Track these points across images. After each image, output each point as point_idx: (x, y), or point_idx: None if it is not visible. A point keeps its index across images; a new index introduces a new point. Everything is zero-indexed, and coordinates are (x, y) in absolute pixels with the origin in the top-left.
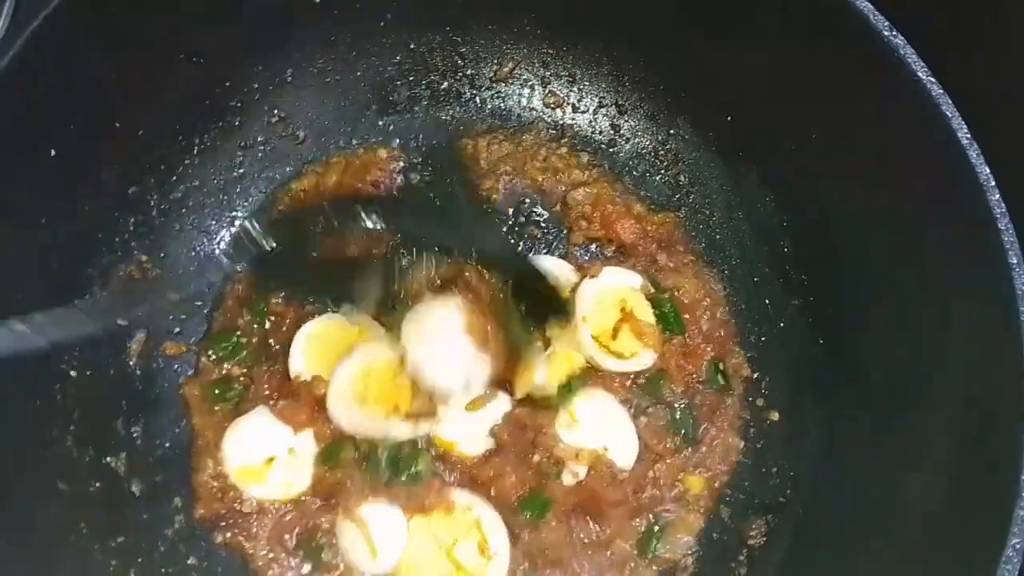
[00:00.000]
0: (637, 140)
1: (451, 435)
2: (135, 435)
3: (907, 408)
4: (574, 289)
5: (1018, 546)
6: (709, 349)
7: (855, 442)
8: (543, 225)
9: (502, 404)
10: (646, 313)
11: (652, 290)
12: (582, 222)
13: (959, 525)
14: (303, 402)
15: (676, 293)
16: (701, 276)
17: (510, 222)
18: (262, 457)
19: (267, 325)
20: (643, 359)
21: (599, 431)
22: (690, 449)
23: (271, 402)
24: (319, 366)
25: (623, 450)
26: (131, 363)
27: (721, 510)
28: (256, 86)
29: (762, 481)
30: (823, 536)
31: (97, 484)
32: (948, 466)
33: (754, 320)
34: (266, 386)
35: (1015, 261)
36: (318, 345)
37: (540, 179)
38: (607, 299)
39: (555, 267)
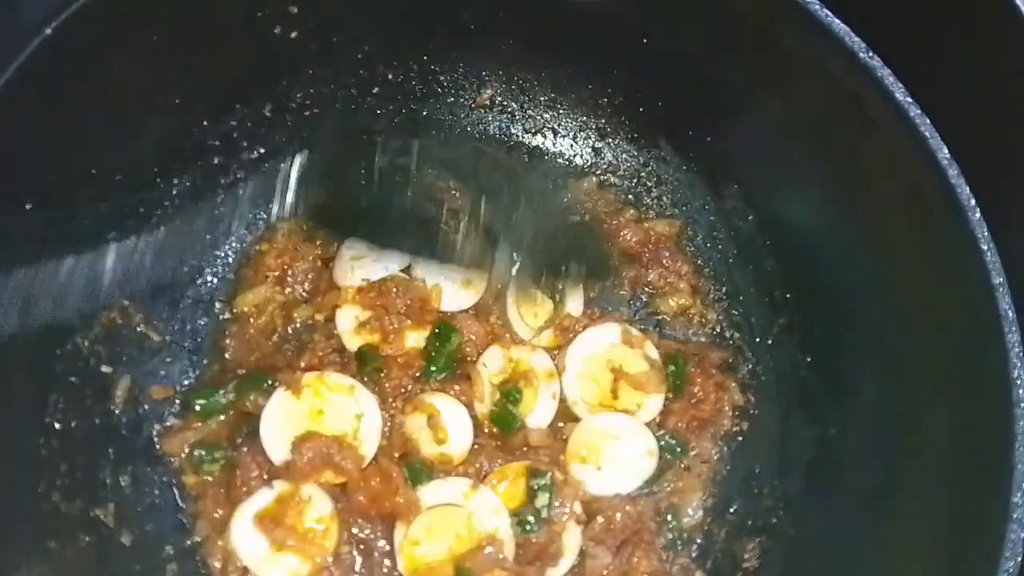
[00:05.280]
0: (619, 163)
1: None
2: (123, 484)
3: (897, 427)
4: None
5: (1011, 570)
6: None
7: (846, 462)
8: None
9: None
10: (637, 363)
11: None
12: None
13: (952, 547)
14: (299, 471)
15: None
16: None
17: None
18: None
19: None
20: (651, 406)
21: (609, 452)
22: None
23: (264, 483)
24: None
25: (610, 480)
26: (117, 411)
27: (714, 532)
28: (235, 124)
29: (754, 503)
30: (817, 557)
31: (86, 538)
32: (940, 486)
33: (742, 338)
34: (254, 470)
35: (998, 282)
36: (282, 426)
37: None
38: (593, 368)
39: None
